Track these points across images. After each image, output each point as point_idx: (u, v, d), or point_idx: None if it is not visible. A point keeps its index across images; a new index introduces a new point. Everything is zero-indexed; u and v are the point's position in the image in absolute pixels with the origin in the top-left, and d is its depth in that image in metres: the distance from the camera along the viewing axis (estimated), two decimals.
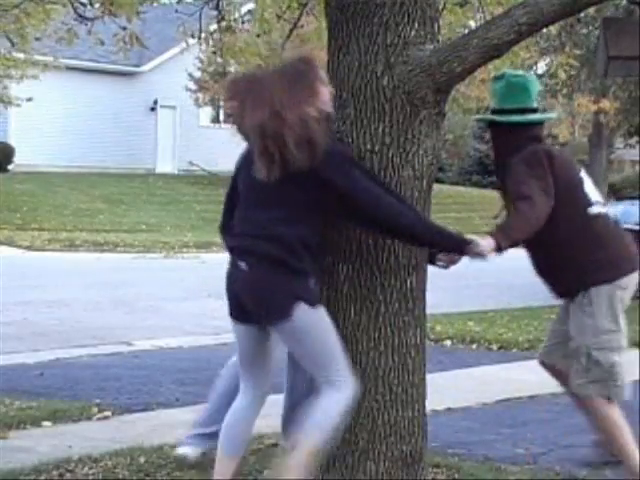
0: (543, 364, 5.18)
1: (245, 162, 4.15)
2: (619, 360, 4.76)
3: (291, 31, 7.37)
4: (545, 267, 4.85)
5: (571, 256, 4.68)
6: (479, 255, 4.07)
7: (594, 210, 4.85)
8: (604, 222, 4.90)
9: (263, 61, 8.62)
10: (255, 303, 3.99)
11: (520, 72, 5.13)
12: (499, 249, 4.16)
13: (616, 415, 4.81)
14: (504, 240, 4.19)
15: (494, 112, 5.01)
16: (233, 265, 4.05)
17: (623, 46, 7.57)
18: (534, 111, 4.96)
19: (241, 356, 4.24)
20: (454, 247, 4.11)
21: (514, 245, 4.38)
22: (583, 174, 4.97)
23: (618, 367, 4.75)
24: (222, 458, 4.24)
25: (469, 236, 4.12)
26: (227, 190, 4.34)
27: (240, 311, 4.08)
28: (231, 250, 4.09)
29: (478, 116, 5.06)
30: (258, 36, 8.86)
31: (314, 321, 3.99)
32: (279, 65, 4.26)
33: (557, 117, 31.65)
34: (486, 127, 5.37)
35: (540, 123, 5.04)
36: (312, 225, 4.03)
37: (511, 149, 4.81)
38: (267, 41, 8.46)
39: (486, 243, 4.09)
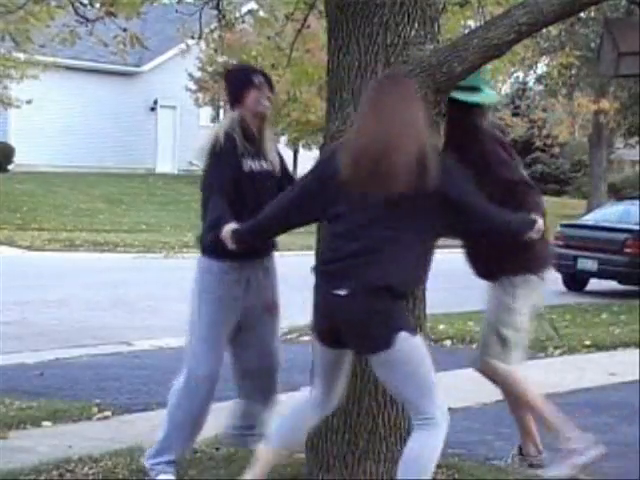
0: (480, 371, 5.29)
1: (336, 180, 3.99)
2: (520, 340, 5.10)
3: (299, 31, 7.35)
4: (475, 251, 5.07)
5: (506, 247, 4.74)
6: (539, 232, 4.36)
7: None
8: None
9: (276, 61, 8.60)
10: (356, 332, 3.90)
11: None
12: None
13: (531, 389, 5.11)
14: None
15: None
16: (327, 290, 3.92)
17: (631, 43, 7.59)
18: (480, 90, 4.94)
19: (321, 372, 4.17)
20: (530, 230, 4.32)
21: None
22: None
23: (516, 345, 5.09)
24: (269, 449, 4.19)
25: (532, 216, 4.38)
26: (291, 205, 4.17)
27: (333, 337, 3.99)
28: (331, 275, 3.94)
29: None
30: (269, 38, 8.86)
31: (413, 350, 3.93)
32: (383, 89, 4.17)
33: (557, 117, 31.66)
34: None
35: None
36: (421, 251, 3.98)
37: (465, 126, 4.83)
38: (276, 41, 8.46)
39: (541, 221, 4.39)
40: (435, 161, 3.88)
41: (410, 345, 3.89)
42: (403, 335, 3.85)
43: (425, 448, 3.93)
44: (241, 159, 4.63)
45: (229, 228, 4.32)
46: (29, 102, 25.08)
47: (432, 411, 3.92)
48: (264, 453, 4.19)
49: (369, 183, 3.87)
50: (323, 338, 4.03)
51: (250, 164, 4.65)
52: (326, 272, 3.97)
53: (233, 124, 4.68)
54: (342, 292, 3.85)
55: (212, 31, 9.18)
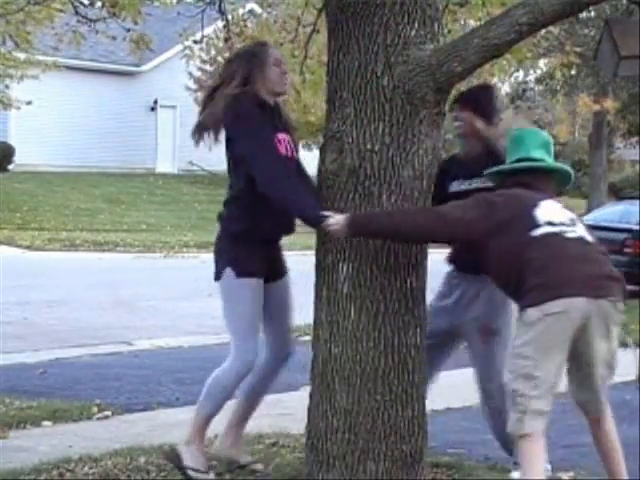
0: None
1: None
2: (522, 390, 4.01)
3: (311, 34, 7.35)
4: None
5: None
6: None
7: None
8: None
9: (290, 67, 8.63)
10: None
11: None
12: None
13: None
14: None
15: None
16: None
17: (631, 46, 7.62)
18: None
19: None
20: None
21: None
22: None
23: (520, 397, 4.01)
24: None
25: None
26: None
27: None
28: None
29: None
30: (281, 44, 8.90)
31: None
32: None
33: (557, 117, 31.65)
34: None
35: None
36: None
37: None
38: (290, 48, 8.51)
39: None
40: None
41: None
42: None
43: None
44: None
45: None
46: (29, 102, 25.07)
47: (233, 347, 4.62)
48: None
49: None
50: None
51: None
52: None
53: None
54: None
55: (228, 34, 9.15)
